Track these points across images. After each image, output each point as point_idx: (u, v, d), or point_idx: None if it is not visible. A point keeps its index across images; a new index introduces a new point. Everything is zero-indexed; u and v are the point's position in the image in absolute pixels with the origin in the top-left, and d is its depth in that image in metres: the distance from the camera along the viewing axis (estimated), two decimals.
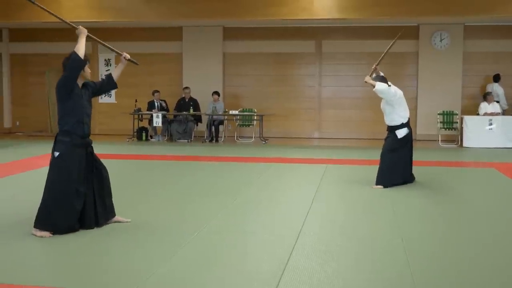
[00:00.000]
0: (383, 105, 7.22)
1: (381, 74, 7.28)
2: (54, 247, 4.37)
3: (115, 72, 5.07)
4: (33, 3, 4.91)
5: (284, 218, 5.43)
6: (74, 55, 4.53)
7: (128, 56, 5.07)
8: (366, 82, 7.17)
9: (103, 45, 5.22)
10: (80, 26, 4.73)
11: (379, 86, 6.96)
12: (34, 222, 4.63)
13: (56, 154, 4.63)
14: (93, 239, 4.57)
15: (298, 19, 12.55)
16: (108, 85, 5.04)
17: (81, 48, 4.56)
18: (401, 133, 7.10)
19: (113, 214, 5.01)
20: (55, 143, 4.68)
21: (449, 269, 3.88)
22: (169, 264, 3.92)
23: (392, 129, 7.16)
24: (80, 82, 4.73)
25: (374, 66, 7.35)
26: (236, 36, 14.04)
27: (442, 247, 4.44)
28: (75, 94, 4.63)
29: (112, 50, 5.22)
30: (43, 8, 4.97)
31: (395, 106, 7.07)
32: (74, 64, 4.53)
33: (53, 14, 5.01)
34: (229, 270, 3.87)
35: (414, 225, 5.21)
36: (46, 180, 4.69)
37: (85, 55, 4.67)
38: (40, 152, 10.39)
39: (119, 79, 5.12)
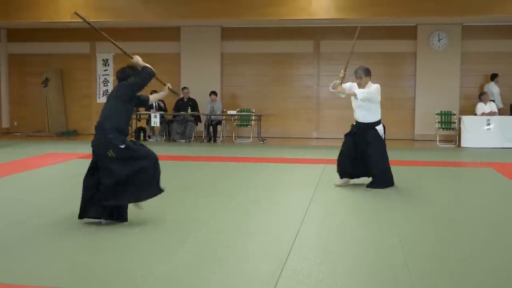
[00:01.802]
0: (360, 102, 6.84)
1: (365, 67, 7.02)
2: (53, 247, 4.38)
3: (155, 96, 5.66)
4: (98, 31, 5.60)
5: (282, 218, 5.44)
6: (149, 69, 5.11)
7: (170, 86, 5.69)
8: (337, 91, 6.87)
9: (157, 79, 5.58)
10: (135, 56, 5.23)
11: (363, 94, 6.69)
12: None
13: (122, 146, 4.92)
14: (92, 238, 4.58)
15: (296, 19, 12.55)
16: (143, 103, 5.54)
17: (149, 67, 5.16)
18: (380, 128, 6.93)
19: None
20: (110, 140, 4.89)
21: (446, 269, 3.89)
22: (167, 264, 3.93)
23: (371, 125, 6.89)
24: None
25: (343, 72, 6.96)
26: (234, 36, 14.04)
27: (440, 247, 4.45)
28: (133, 100, 5.16)
29: (158, 80, 5.62)
30: (107, 37, 5.60)
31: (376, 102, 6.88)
32: (146, 76, 5.10)
33: (114, 44, 5.52)
34: (227, 270, 3.88)
35: (412, 225, 5.22)
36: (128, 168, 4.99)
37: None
38: (38, 152, 10.39)
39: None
